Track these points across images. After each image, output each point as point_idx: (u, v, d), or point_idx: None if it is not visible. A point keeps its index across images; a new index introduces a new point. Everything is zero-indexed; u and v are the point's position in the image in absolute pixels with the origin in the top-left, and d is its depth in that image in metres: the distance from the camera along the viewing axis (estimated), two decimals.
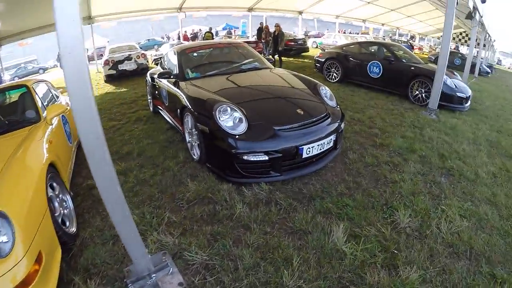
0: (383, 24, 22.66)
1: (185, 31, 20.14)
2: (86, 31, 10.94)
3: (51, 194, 2.26)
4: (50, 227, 1.94)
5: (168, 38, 28.70)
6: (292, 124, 2.76)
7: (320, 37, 20.96)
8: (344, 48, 7.30)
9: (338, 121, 3.11)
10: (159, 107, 5.00)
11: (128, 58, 9.56)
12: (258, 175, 2.75)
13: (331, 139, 2.94)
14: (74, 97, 1.35)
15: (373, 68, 6.45)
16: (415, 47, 21.53)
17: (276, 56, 10.00)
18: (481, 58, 14.59)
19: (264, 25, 9.95)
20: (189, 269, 1.96)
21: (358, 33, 20.43)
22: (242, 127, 2.69)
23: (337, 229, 2.14)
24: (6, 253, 1.55)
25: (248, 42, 10.32)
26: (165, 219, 2.48)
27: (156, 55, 13.25)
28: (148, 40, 29.30)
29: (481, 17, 9.89)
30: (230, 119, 2.74)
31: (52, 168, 2.42)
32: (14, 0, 6.71)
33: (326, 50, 7.96)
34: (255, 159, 2.64)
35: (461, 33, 19.40)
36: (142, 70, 9.64)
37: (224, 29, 29.11)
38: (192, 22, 25.76)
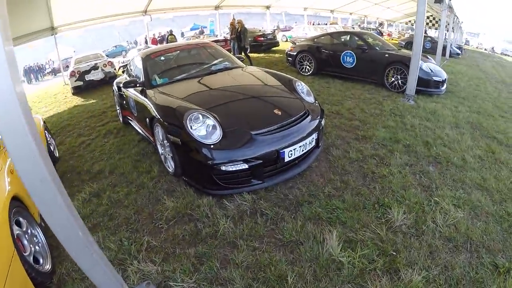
0: (351, 13, 22.91)
1: (154, 34, 19.48)
2: (51, 43, 10.25)
3: (17, 232, 2.00)
4: (21, 271, 1.73)
5: (136, 43, 27.71)
6: (270, 126, 2.55)
7: (288, 30, 20.86)
8: (315, 40, 7.18)
9: (318, 117, 2.95)
10: (128, 117, 4.66)
11: (95, 67, 9.01)
12: (239, 185, 2.54)
13: (313, 138, 2.77)
14: (6, 134, 1.06)
15: (346, 58, 6.37)
16: (384, 34, 21.93)
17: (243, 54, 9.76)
18: (451, 40, 15.00)
19: (231, 20, 9.61)
20: None
21: (326, 24, 20.52)
22: (217, 135, 2.46)
23: (330, 236, 1.97)
24: None
25: (216, 41, 10.02)
26: (144, 244, 2.25)
27: (123, 62, 12.65)
28: (115, 46, 28.18)
29: (450, 0, 10.09)
30: (203, 128, 2.50)
31: (16, 202, 2.14)
32: None
33: (297, 43, 7.80)
34: (234, 168, 2.42)
35: (428, 17, 19.90)
36: (110, 79, 9.13)
37: (192, 29, 28.48)
38: (160, 25, 24.99)
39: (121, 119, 5.17)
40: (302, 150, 2.65)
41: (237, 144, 2.43)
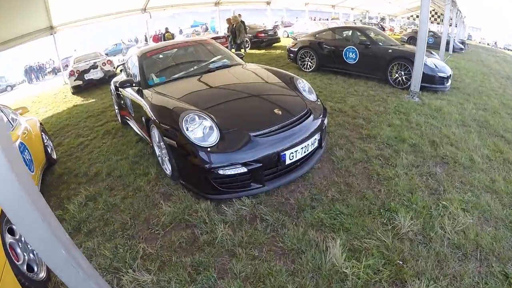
0: (352, 9, 22.57)
1: (156, 31, 19.26)
2: (50, 42, 10.14)
3: (10, 240, 1.93)
4: (12, 281, 1.68)
5: (136, 40, 27.52)
6: (270, 127, 2.44)
7: (289, 26, 20.58)
8: (317, 35, 7.01)
9: (321, 116, 2.83)
10: (126, 117, 4.56)
11: (94, 66, 8.90)
12: (238, 189, 2.43)
13: (316, 138, 2.65)
14: None
15: (349, 54, 6.21)
16: (386, 29, 21.60)
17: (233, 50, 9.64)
18: (454, 35, 14.73)
19: (229, 17, 9.47)
20: None
21: (328, 19, 20.23)
22: (214, 138, 2.35)
23: (333, 244, 1.87)
24: None
25: (216, 38, 9.88)
26: (140, 252, 2.16)
27: (123, 60, 12.54)
28: (116, 45, 27.97)
29: None
30: (199, 129, 2.39)
31: None
32: None
33: (298, 39, 7.64)
34: (232, 172, 2.31)
35: (430, 12, 19.59)
36: (110, 78, 8.99)
37: (192, 26, 28.23)
38: (160, 22, 24.76)
39: (119, 119, 5.08)
40: (304, 152, 2.54)
41: (235, 146, 2.33)
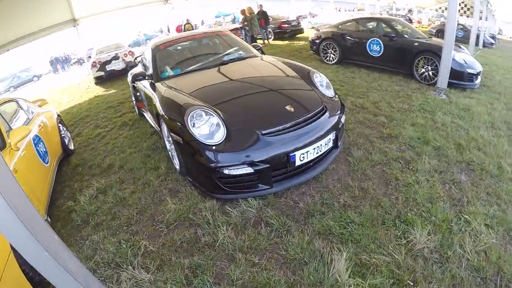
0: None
1: (182, 21, 19.35)
2: (73, 34, 10.48)
3: None
4: (17, 271, 1.76)
5: (161, 31, 27.88)
6: (280, 125, 2.30)
7: (313, 16, 19.87)
8: (340, 26, 6.66)
9: (338, 113, 2.65)
10: (142, 109, 4.60)
11: (115, 57, 9.09)
12: (244, 189, 2.34)
13: (330, 138, 2.48)
14: None
15: (373, 46, 5.85)
16: (413, 21, 20.30)
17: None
18: (484, 29, 13.58)
19: (246, 7, 9.26)
20: None
21: (354, 10, 19.31)
22: (220, 135, 2.26)
23: (339, 257, 1.74)
24: None
25: (236, 29, 9.75)
26: (141, 249, 2.17)
27: (141, 52, 12.76)
28: (144, 34, 28.48)
29: None
30: (206, 126, 2.31)
31: None
32: None
33: (321, 30, 7.33)
34: (238, 172, 2.22)
35: (459, 4, 18.16)
36: (131, 69, 9.20)
37: (217, 17, 28.13)
38: (186, 13, 24.83)
39: (136, 111, 5.15)
40: (317, 153, 2.39)
41: (241, 145, 2.23)
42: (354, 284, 1.59)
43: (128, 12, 12.16)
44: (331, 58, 6.84)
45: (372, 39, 5.83)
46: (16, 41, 8.08)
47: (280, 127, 2.29)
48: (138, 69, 4.54)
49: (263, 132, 2.25)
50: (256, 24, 8.82)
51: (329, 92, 2.89)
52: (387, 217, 2.05)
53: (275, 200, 2.39)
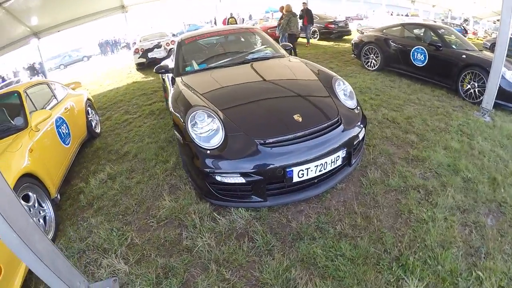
0: (433, 6, 19.59)
1: (231, 13, 19.60)
2: (121, 20, 11.09)
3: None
4: None
5: (210, 23, 28.39)
6: (281, 136, 2.13)
7: (363, 19, 18.64)
8: (384, 30, 6.11)
9: (356, 128, 2.40)
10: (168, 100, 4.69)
11: (158, 46, 9.44)
12: (237, 199, 2.23)
13: (339, 155, 2.23)
14: None
15: (417, 55, 5.27)
16: (468, 32, 18.15)
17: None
18: None
19: (285, 4, 8.93)
20: None
21: (407, 15, 17.79)
22: (216, 140, 2.17)
23: None
24: None
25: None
26: (128, 240, 2.23)
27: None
28: (189, 25, 29.23)
29: None
30: (206, 129, 2.23)
31: (29, 178, 2.31)
32: None
33: (364, 33, 6.84)
34: (230, 180, 2.11)
35: None
36: None
37: (267, 12, 27.93)
38: (236, 6, 25.00)
39: (165, 101, 5.27)
40: (320, 171, 2.16)
41: (236, 153, 2.11)
42: None
43: (177, 2, 12.53)
44: (372, 64, 6.35)
45: (416, 47, 5.25)
46: (66, 23, 8.77)
47: (281, 138, 2.12)
48: (168, 61, 4.61)
49: (262, 141, 2.10)
50: (294, 23, 8.48)
51: (351, 103, 2.62)
52: (384, 257, 1.77)
53: (268, 214, 2.25)
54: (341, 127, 2.31)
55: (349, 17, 17.41)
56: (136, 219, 2.46)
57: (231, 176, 2.09)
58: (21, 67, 20.31)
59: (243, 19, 22.17)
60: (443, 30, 5.41)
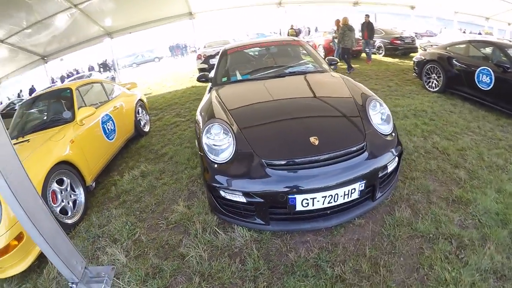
0: (509, 24, 16.48)
1: (292, 26, 19.58)
2: (189, 26, 11.82)
3: (55, 188, 2.45)
4: None
5: (279, 33, 28.59)
6: (290, 159, 1.96)
7: (432, 36, 16.56)
8: (448, 48, 5.29)
9: (385, 157, 2.09)
10: None
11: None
12: (241, 217, 2.13)
13: (355, 188, 1.95)
14: None
15: (482, 77, 4.40)
16: None
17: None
18: None
19: (343, 17, 8.39)
20: None
21: (480, 33, 15.25)
22: (226, 155, 2.12)
23: None
24: None
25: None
26: (136, 235, 2.36)
27: None
28: (257, 34, 29.91)
29: None
30: (219, 143, 2.20)
31: (66, 165, 2.61)
32: (123, 0, 7.76)
33: (427, 50, 6.07)
34: (232, 198, 2.03)
35: None
36: None
37: None
38: (297, 18, 24.73)
39: None
40: (329, 202, 1.93)
41: (241, 170, 2.04)
42: None
43: (242, 11, 12.90)
44: (433, 85, 5.58)
45: (482, 67, 4.38)
46: (136, 26, 9.70)
47: (289, 161, 1.96)
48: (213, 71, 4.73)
49: (268, 162, 1.96)
50: (349, 36, 7.95)
51: (385, 128, 2.30)
52: None
53: (269, 238, 2.11)
54: (365, 154, 2.03)
55: (417, 33, 15.73)
56: (150, 218, 2.56)
57: (233, 193, 2.00)
58: (95, 62, 22.26)
59: (308, 30, 21.80)
60: None
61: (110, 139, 3.53)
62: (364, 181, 1.97)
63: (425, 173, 2.84)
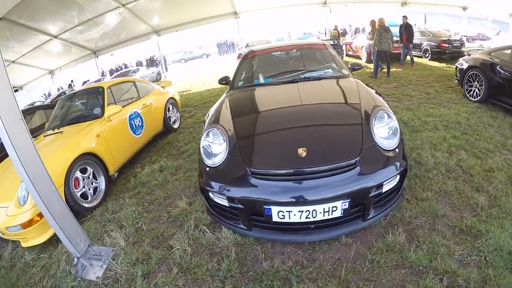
0: None
1: (335, 26, 18.67)
2: (235, 25, 11.94)
3: (77, 175, 2.78)
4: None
5: (324, 33, 27.51)
6: (272, 169, 1.91)
7: (484, 40, 14.20)
8: (493, 53, 4.49)
9: (381, 175, 1.90)
10: None
11: None
12: (226, 220, 2.15)
13: (337, 206, 1.81)
14: None
15: None
16: None
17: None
18: None
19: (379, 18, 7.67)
20: (107, 273, 2.05)
21: None
22: (218, 160, 2.14)
23: None
24: (23, 203, 2.31)
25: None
26: (139, 224, 2.55)
27: None
28: (304, 33, 29.07)
29: None
30: (214, 147, 2.23)
31: (91, 156, 2.91)
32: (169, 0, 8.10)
33: (471, 55, 5.30)
34: (218, 201, 2.07)
35: None
36: None
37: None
38: (345, 18, 23.36)
39: None
40: (307, 218, 1.82)
41: (226, 175, 2.04)
42: None
43: (287, 10, 12.62)
44: (475, 94, 4.88)
45: None
46: (183, 24, 10.02)
47: (271, 171, 1.91)
48: None
49: (252, 170, 1.93)
50: (386, 39, 7.28)
51: (388, 143, 2.07)
52: None
53: (251, 244, 2.10)
54: (355, 170, 1.86)
55: (468, 36, 13.68)
56: (155, 210, 2.73)
57: (220, 197, 2.03)
58: (143, 58, 22.67)
59: (354, 31, 20.62)
60: None
61: (136, 134, 3.80)
62: (348, 200, 1.81)
63: (438, 195, 2.50)
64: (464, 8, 12.02)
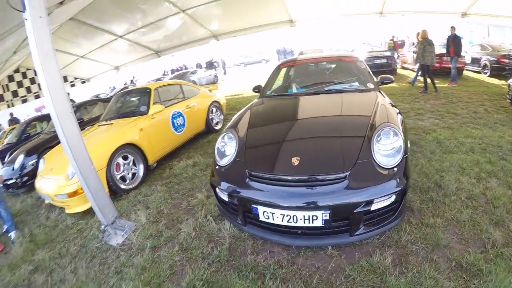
0: None
1: (392, 36, 17.20)
2: (291, 33, 11.81)
3: (119, 161, 3.28)
4: (103, 175, 3.01)
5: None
6: (265, 173, 2.05)
7: None
8: None
9: (376, 192, 1.86)
10: None
11: None
12: (228, 213, 2.37)
13: (317, 216, 1.83)
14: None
15: None
16: None
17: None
18: None
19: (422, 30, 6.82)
20: (125, 242, 2.48)
21: None
22: (227, 160, 2.36)
23: None
24: (71, 178, 2.84)
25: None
26: (161, 207, 2.94)
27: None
28: (364, 43, 27.50)
29: None
30: (228, 149, 2.46)
31: (132, 146, 3.38)
32: (227, 7, 8.47)
33: None
34: (222, 196, 2.29)
35: None
36: None
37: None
38: (402, 28, 21.23)
39: None
40: (289, 222, 1.90)
41: (229, 175, 2.25)
42: None
43: (344, 19, 12.10)
44: None
45: None
46: (240, 30, 10.18)
47: (263, 175, 2.05)
48: None
49: (250, 173, 2.12)
50: (429, 52, 6.51)
51: (388, 161, 1.99)
52: None
53: (246, 238, 2.28)
54: (342, 184, 1.86)
55: None
56: (178, 198, 3.09)
57: (223, 193, 2.25)
58: (203, 60, 23.02)
59: (413, 42, 18.85)
60: None
61: (178, 132, 4.24)
62: (329, 211, 1.83)
63: (449, 223, 2.23)
64: None
